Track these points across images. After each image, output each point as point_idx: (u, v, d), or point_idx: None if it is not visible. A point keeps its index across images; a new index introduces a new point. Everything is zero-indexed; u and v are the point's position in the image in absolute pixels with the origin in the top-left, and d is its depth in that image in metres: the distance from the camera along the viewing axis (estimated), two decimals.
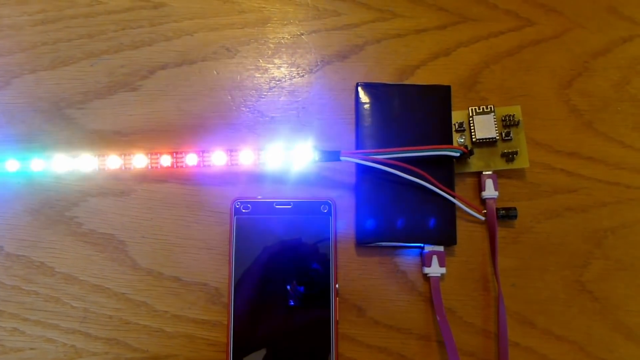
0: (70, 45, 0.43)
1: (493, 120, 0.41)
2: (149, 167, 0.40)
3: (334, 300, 0.38)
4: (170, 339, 0.39)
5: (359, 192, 0.40)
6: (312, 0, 0.44)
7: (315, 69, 0.43)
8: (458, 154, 0.40)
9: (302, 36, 0.44)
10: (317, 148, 0.39)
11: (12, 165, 0.40)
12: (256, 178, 0.41)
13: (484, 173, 0.41)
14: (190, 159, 0.39)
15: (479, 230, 0.41)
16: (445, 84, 0.42)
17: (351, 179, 0.41)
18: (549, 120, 0.43)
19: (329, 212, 0.40)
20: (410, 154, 0.39)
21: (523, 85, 0.43)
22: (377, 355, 0.39)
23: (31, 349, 0.39)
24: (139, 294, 0.39)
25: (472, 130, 0.41)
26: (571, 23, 0.45)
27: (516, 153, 0.41)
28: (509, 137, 0.41)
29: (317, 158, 0.39)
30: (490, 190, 0.41)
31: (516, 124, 0.41)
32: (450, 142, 0.41)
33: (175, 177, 0.41)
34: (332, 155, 0.39)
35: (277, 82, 0.43)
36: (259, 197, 0.40)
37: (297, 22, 0.44)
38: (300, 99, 0.43)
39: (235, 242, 0.39)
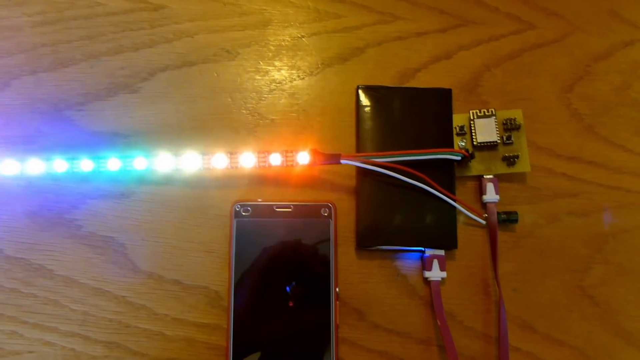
0: (69, 47, 0.43)
1: (494, 123, 0.41)
2: (149, 169, 0.39)
3: (334, 304, 0.38)
4: (170, 343, 0.39)
5: (359, 195, 0.40)
6: (313, 3, 0.44)
7: (316, 72, 0.43)
8: (459, 158, 0.40)
9: (303, 38, 0.44)
10: (317, 151, 0.39)
11: (11, 167, 0.39)
12: (256, 181, 0.41)
13: (484, 177, 0.41)
14: (191, 162, 0.39)
15: (480, 234, 0.41)
16: (446, 87, 0.42)
17: (352, 182, 0.41)
18: (550, 124, 0.43)
19: (330, 215, 0.39)
20: (411, 157, 0.39)
21: (524, 89, 0.43)
22: (377, 359, 0.39)
23: (30, 352, 0.38)
24: (139, 297, 0.39)
25: (473, 134, 0.41)
26: (572, 27, 0.45)
27: (517, 157, 0.41)
28: (510, 141, 0.41)
29: (317, 161, 0.39)
30: (491, 194, 0.41)
31: (517, 128, 0.41)
32: (451, 146, 0.41)
33: (176, 180, 0.41)
34: (332, 158, 0.39)
35: (278, 85, 0.43)
36: (259, 200, 0.40)
37: (298, 25, 0.44)
38: (300, 101, 0.43)
39: (236, 245, 0.39)
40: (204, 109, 0.42)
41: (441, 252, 0.40)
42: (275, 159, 0.39)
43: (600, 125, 0.43)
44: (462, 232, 0.40)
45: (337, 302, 0.38)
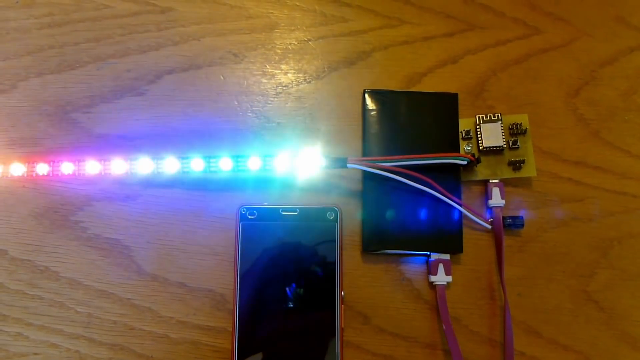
0: (76, 49, 0.43)
1: (500, 128, 0.41)
2: (155, 172, 0.39)
3: (339, 308, 0.38)
4: (175, 345, 0.39)
5: (365, 199, 0.40)
6: (320, 7, 0.44)
7: (322, 75, 0.43)
8: (465, 162, 0.40)
9: (310, 42, 0.44)
10: (323, 155, 0.39)
11: (17, 169, 0.39)
12: (262, 184, 0.41)
13: (490, 181, 0.41)
14: (196, 165, 0.39)
15: (485, 239, 0.41)
16: (453, 91, 0.42)
17: (358, 186, 0.41)
18: (556, 129, 0.43)
19: (335, 219, 0.39)
20: (417, 162, 0.39)
21: (530, 94, 0.43)
22: None
23: (35, 354, 0.38)
24: (144, 300, 0.39)
25: (479, 138, 0.41)
26: (579, 32, 0.45)
27: (523, 162, 0.41)
28: (516, 146, 0.41)
29: (323, 165, 0.39)
30: (496, 199, 0.41)
31: (523, 133, 0.41)
32: (457, 150, 0.41)
33: (181, 183, 0.41)
34: (339, 162, 0.39)
35: (284, 88, 0.43)
36: (265, 203, 0.40)
37: (305, 28, 0.44)
38: (307, 105, 0.43)
39: (241, 248, 0.39)
40: (210, 112, 0.42)
41: (447, 257, 0.40)
42: (281, 162, 0.39)
43: (606, 130, 0.43)
44: (468, 237, 0.40)
45: (342, 306, 0.38)
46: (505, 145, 0.41)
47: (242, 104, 0.42)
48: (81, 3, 0.43)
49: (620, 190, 0.42)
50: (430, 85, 0.43)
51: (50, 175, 0.40)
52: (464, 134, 0.41)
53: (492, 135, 0.41)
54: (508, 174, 0.41)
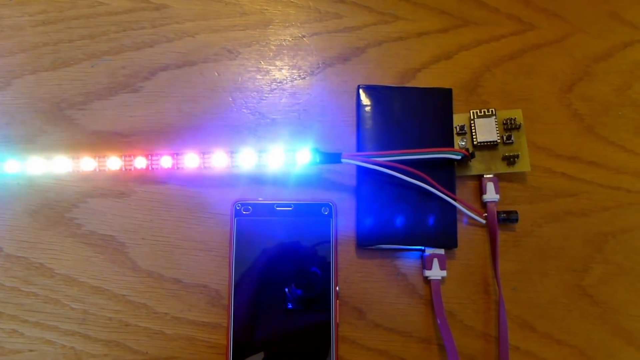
0: (71, 46, 0.43)
1: (494, 123, 0.41)
2: (150, 168, 0.39)
3: (334, 303, 0.38)
4: (170, 341, 0.39)
5: (360, 195, 0.40)
6: (314, 3, 0.44)
7: (317, 71, 0.43)
8: (459, 157, 0.40)
9: (304, 38, 0.44)
10: (318, 150, 0.39)
11: (12, 166, 0.39)
12: (257, 180, 0.41)
13: (485, 176, 0.41)
14: (191, 161, 0.39)
15: (480, 234, 0.41)
16: (447, 87, 0.42)
17: (352, 181, 0.41)
18: (550, 124, 0.43)
19: (330, 215, 0.39)
20: (412, 157, 0.39)
21: (524, 89, 0.43)
22: (377, 358, 0.39)
23: (30, 350, 0.38)
24: (139, 296, 0.39)
25: (474, 134, 0.41)
26: (573, 28, 0.45)
27: (517, 156, 0.41)
28: (510, 141, 0.41)
29: (318, 160, 0.39)
30: (491, 194, 0.41)
31: (517, 128, 0.41)
32: (452, 145, 0.41)
33: (176, 179, 0.41)
34: (333, 158, 0.39)
35: (279, 84, 0.43)
36: (260, 199, 0.40)
37: (299, 24, 0.44)
38: (301, 101, 0.43)
39: (236, 244, 0.39)
40: (204, 109, 0.42)
41: (441, 251, 0.40)
42: (276, 158, 0.39)
43: (600, 125, 0.43)
44: (462, 231, 0.41)
45: (338, 301, 0.38)
46: (499, 140, 0.41)
47: (237, 100, 0.42)
48: (76, 0, 0.43)
49: (614, 185, 0.42)
50: (424, 80, 0.43)
51: (45, 172, 0.40)
52: (458, 129, 0.41)
53: (486, 131, 0.41)
54: (502, 168, 0.41)
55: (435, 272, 0.39)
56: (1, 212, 0.40)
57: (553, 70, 0.44)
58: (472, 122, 0.41)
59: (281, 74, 0.43)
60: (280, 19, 0.44)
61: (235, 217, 0.39)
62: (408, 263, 0.40)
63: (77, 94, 0.42)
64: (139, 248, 0.40)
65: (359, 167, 0.40)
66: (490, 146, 0.41)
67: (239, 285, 0.38)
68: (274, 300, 0.38)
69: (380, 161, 0.39)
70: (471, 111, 0.41)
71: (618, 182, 0.42)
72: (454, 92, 0.42)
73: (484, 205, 0.41)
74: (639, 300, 0.40)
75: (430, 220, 0.40)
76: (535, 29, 0.45)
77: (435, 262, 0.39)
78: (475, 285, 0.40)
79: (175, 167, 0.39)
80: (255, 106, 0.42)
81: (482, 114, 0.41)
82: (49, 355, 0.38)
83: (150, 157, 0.39)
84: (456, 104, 0.42)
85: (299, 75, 0.43)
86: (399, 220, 0.39)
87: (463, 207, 0.40)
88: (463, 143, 0.41)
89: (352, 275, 0.40)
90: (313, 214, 0.40)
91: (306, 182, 0.41)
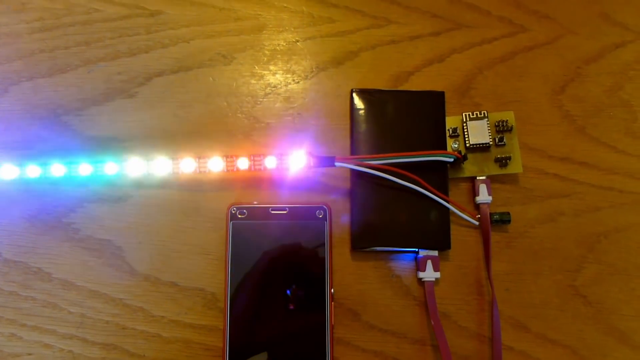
0: (67, 53, 0.43)
1: (486, 125, 0.41)
2: (146, 173, 0.40)
3: (329, 305, 0.38)
4: (167, 344, 0.39)
5: (354, 198, 0.41)
6: (307, 8, 0.45)
7: (311, 76, 0.44)
8: (452, 160, 0.40)
9: (298, 43, 0.44)
10: (312, 154, 0.39)
11: (10, 171, 0.40)
12: (252, 184, 0.41)
13: (477, 178, 0.41)
14: (187, 165, 0.40)
15: (473, 235, 0.41)
16: (439, 89, 0.43)
17: (346, 184, 0.41)
18: (541, 125, 0.43)
19: (324, 217, 0.40)
20: (405, 160, 0.40)
21: (516, 91, 0.44)
22: (372, 359, 0.39)
23: (29, 354, 0.39)
24: (136, 300, 0.40)
25: (466, 136, 0.41)
26: (564, 29, 0.45)
27: (509, 158, 0.41)
28: (502, 143, 0.41)
29: (312, 164, 0.39)
30: (484, 195, 0.41)
31: (509, 130, 0.42)
32: (444, 148, 0.41)
33: (172, 183, 0.41)
34: (327, 161, 0.39)
35: (273, 89, 0.43)
36: (255, 202, 0.40)
37: (293, 29, 0.44)
38: (295, 105, 0.43)
39: (232, 248, 0.39)
40: (200, 113, 0.43)
41: (435, 253, 0.40)
42: (271, 162, 0.39)
43: (591, 126, 0.43)
44: (456, 233, 0.41)
45: (332, 303, 0.39)
46: (491, 142, 0.41)
47: (232, 105, 0.43)
48: (71, 7, 0.44)
49: (606, 186, 0.42)
50: (417, 84, 0.44)
51: (43, 177, 0.40)
52: (450, 132, 0.42)
53: (478, 133, 0.41)
54: (495, 170, 0.41)
55: (429, 274, 0.40)
56: None
57: (544, 71, 0.44)
58: (464, 124, 0.42)
59: (275, 79, 0.44)
60: (274, 24, 0.44)
61: (230, 220, 0.40)
62: (402, 265, 0.41)
63: (74, 100, 0.43)
64: (136, 252, 0.40)
65: (352, 170, 0.40)
66: (482, 148, 0.41)
67: (235, 288, 0.39)
68: (270, 303, 0.38)
69: (373, 164, 0.39)
70: (463, 114, 0.42)
71: (610, 182, 0.42)
72: (447, 95, 0.42)
73: (476, 206, 0.41)
74: (631, 299, 0.41)
75: (424, 222, 0.40)
76: (527, 31, 0.45)
77: (429, 263, 0.40)
78: (469, 286, 0.41)
79: (172, 172, 0.40)
80: (250, 111, 0.43)
81: (475, 116, 0.42)
82: (47, 359, 0.39)
83: (146, 162, 0.40)
84: (449, 106, 0.42)
85: (293, 80, 0.44)
86: (392, 223, 0.40)
87: (456, 209, 0.40)
88: (456, 145, 0.41)
89: (347, 278, 0.40)
90: (308, 217, 0.40)
91: (301, 185, 0.41)
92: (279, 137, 0.42)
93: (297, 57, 0.44)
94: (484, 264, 0.41)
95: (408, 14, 0.45)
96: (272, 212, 0.40)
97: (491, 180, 0.41)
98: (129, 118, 0.42)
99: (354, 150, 0.41)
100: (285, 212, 0.40)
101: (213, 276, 0.40)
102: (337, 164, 0.39)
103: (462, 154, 0.40)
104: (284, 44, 0.44)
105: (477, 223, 0.41)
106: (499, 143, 0.41)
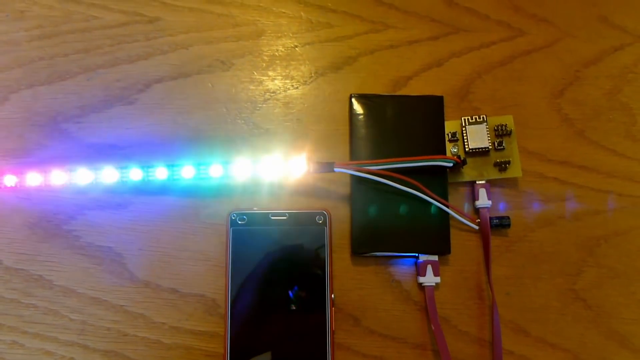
0: (66, 60, 0.43)
1: (485, 130, 0.41)
2: (146, 179, 0.40)
3: (329, 310, 0.39)
4: (168, 351, 0.39)
5: (354, 203, 0.41)
6: (306, 13, 0.45)
7: (310, 81, 0.44)
8: (451, 164, 0.40)
9: (296, 48, 0.44)
10: (311, 159, 0.40)
11: (10, 179, 0.40)
12: (252, 190, 0.42)
13: (477, 182, 0.41)
14: (187, 172, 0.40)
15: (473, 240, 0.41)
16: (438, 94, 0.43)
17: (346, 189, 0.42)
18: (540, 129, 0.43)
19: (325, 223, 0.40)
20: (404, 165, 0.40)
21: (515, 95, 0.44)
22: None
23: None
24: (137, 306, 0.40)
25: (465, 140, 0.41)
26: (562, 33, 0.45)
27: (509, 162, 0.41)
28: (502, 147, 0.41)
29: (311, 169, 0.39)
30: (483, 200, 0.41)
31: (508, 134, 0.42)
32: (444, 152, 0.41)
33: (172, 190, 0.41)
34: (326, 167, 0.39)
35: (272, 94, 0.43)
36: (255, 208, 0.41)
37: (291, 35, 0.45)
38: (294, 110, 0.43)
39: (232, 254, 0.39)
40: (199, 120, 0.43)
41: (435, 258, 0.40)
42: (270, 168, 0.40)
43: (590, 129, 0.43)
44: (456, 238, 0.41)
45: (333, 308, 0.39)
46: (490, 147, 0.41)
47: (231, 111, 0.43)
48: (70, 15, 0.44)
49: (605, 189, 0.42)
50: (416, 88, 0.44)
51: (43, 185, 0.40)
52: (450, 136, 0.42)
53: (477, 137, 0.41)
54: (494, 174, 0.41)
55: (429, 279, 0.40)
56: (0, 226, 0.41)
57: (543, 75, 0.44)
58: (463, 129, 0.42)
59: (274, 84, 0.44)
60: (273, 29, 0.45)
61: (230, 226, 0.40)
62: (402, 270, 0.41)
63: (73, 107, 0.43)
64: (136, 259, 0.40)
65: (353, 176, 0.40)
66: (481, 153, 0.41)
67: (236, 294, 0.39)
68: (270, 308, 0.38)
69: (373, 170, 0.39)
70: (462, 118, 0.42)
71: (609, 185, 0.42)
72: (445, 99, 0.42)
73: (476, 211, 0.41)
74: (631, 303, 0.41)
75: (424, 227, 0.40)
76: (525, 34, 0.45)
77: (429, 268, 0.40)
78: (469, 290, 0.41)
79: (171, 178, 0.40)
80: (249, 116, 0.43)
81: (474, 120, 0.42)
82: None
83: (146, 169, 0.40)
84: (447, 111, 0.42)
85: (292, 85, 0.44)
86: (392, 228, 0.40)
87: (456, 213, 0.40)
88: (455, 150, 0.42)
89: (347, 283, 0.40)
90: (308, 223, 0.40)
91: (300, 191, 0.42)
92: (279, 142, 0.42)
93: (295, 62, 0.44)
94: (484, 268, 0.41)
95: (406, 18, 0.45)
96: (272, 217, 0.40)
97: (491, 184, 0.42)
98: (128, 125, 0.42)
99: (353, 155, 0.41)
100: (285, 217, 0.40)
101: (213, 282, 0.40)
102: (336, 169, 0.39)
103: (462, 158, 0.40)
104: (283, 50, 0.44)
105: (477, 227, 0.41)
106: (498, 147, 0.41)
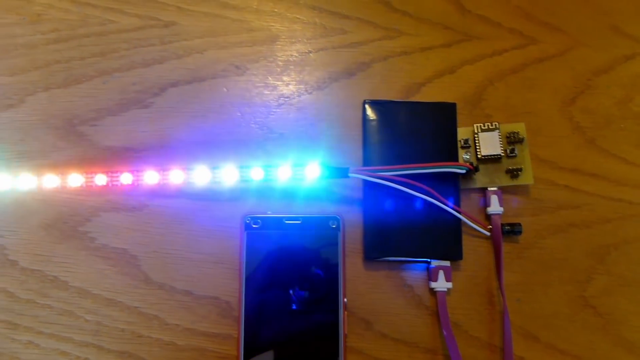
0: (83, 64, 0.44)
1: (498, 137, 0.42)
2: (161, 183, 0.40)
3: (342, 314, 0.39)
4: (181, 352, 0.40)
5: (366, 208, 0.41)
6: (320, 19, 0.45)
7: (323, 86, 0.44)
8: (464, 171, 0.40)
9: (310, 54, 0.45)
10: (325, 164, 0.40)
11: (27, 181, 0.40)
12: (266, 194, 0.42)
13: (489, 189, 0.42)
14: (201, 175, 0.40)
15: (485, 246, 0.42)
16: (451, 101, 0.43)
17: (359, 194, 0.42)
18: (552, 137, 0.44)
19: (338, 228, 0.40)
20: (417, 171, 0.40)
21: (527, 103, 0.44)
22: None
23: None
24: (151, 308, 0.40)
25: (477, 147, 0.42)
26: (574, 41, 0.45)
27: (520, 170, 0.41)
28: (514, 154, 0.42)
29: (326, 175, 0.40)
30: (495, 206, 0.41)
31: (520, 141, 0.42)
32: (456, 159, 0.42)
33: (187, 193, 0.42)
34: (341, 172, 0.40)
35: (286, 99, 0.44)
36: (269, 212, 0.41)
37: (305, 40, 0.45)
38: (308, 115, 0.44)
39: (246, 257, 0.40)
40: (213, 124, 0.43)
41: (447, 263, 0.40)
42: (284, 172, 0.40)
43: (601, 138, 0.44)
44: (467, 244, 0.41)
45: (345, 312, 0.39)
46: (502, 154, 0.42)
47: (245, 116, 0.43)
48: (86, 18, 0.44)
49: (616, 197, 0.43)
50: (428, 95, 0.44)
51: (59, 187, 0.41)
52: (462, 143, 0.42)
53: (490, 144, 0.42)
54: (506, 181, 0.42)
55: (441, 284, 0.40)
56: (16, 227, 0.41)
57: (555, 83, 0.45)
58: (475, 135, 0.42)
59: (288, 89, 0.44)
60: (287, 35, 0.45)
61: (245, 230, 0.40)
62: (414, 275, 0.41)
63: (89, 110, 0.43)
64: (151, 261, 0.41)
65: (365, 181, 0.41)
66: (494, 159, 0.42)
67: (249, 297, 0.39)
68: (284, 312, 0.39)
69: (386, 175, 0.40)
70: (475, 125, 0.42)
71: (620, 194, 0.43)
72: (458, 106, 0.43)
73: (488, 217, 0.42)
74: None
75: (436, 232, 0.40)
76: (537, 43, 0.45)
77: (441, 273, 0.40)
78: (480, 296, 0.41)
79: (186, 182, 0.40)
80: (264, 121, 0.43)
81: (486, 127, 0.42)
82: None
83: (161, 172, 0.40)
84: (460, 117, 0.43)
85: (306, 90, 0.44)
86: (405, 233, 0.40)
87: (468, 219, 0.41)
88: (467, 157, 0.42)
89: (360, 287, 0.41)
90: (321, 227, 0.40)
91: (314, 196, 0.42)
92: (293, 147, 0.43)
93: (309, 68, 0.44)
94: (495, 274, 0.41)
95: (419, 25, 0.45)
96: (286, 222, 0.40)
97: (502, 191, 0.42)
98: (143, 128, 0.43)
99: (366, 161, 0.42)
100: (299, 222, 0.40)
101: (227, 285, 0.40)
102: (350, 175, 0.39)
103: (474, 165, 0.41)
104: (297, 55, 0.45)
105: (488, 234, 0.41)
106: (510, 154, 0.42)
